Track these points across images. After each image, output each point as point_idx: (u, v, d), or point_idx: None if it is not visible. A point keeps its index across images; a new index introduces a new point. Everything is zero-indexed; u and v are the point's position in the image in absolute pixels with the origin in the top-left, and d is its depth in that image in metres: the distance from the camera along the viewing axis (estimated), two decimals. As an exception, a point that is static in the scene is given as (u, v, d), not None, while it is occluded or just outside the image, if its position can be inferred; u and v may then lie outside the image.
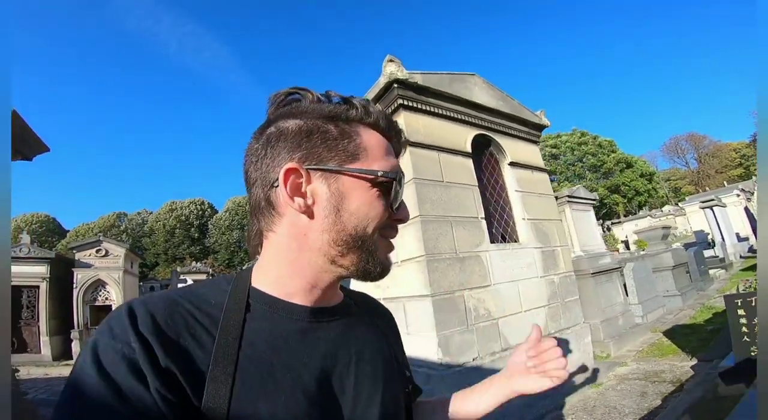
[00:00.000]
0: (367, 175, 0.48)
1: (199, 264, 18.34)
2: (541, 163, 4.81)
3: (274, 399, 0.43)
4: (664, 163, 49.56)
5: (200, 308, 0.45)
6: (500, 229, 4.04)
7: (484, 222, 3.71)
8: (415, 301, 3.24)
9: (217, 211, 43.39)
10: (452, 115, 3.89)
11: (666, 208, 28.31)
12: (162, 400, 0.37)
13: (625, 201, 34.35)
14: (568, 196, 5.51)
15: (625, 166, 36.47)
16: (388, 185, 0.49)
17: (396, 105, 3.55)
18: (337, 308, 0.55)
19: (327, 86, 0.52)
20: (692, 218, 18.89)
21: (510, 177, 4.34)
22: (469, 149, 3.92)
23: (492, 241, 3.73)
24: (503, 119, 4.41)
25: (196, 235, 39.63)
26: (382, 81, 3.54)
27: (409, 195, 3.32)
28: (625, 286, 5.92)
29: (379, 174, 0.48)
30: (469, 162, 3.88)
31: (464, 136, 3.98)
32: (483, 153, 4.26)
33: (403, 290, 3.39)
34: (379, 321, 0.63)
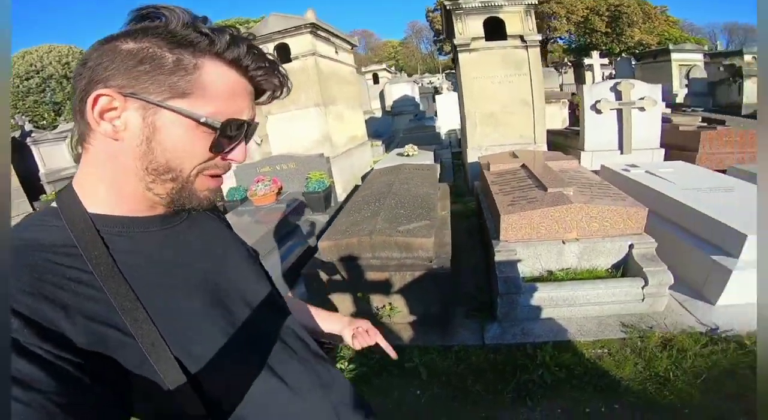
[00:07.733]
0: (189, 116, 0.43)
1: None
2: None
3: (179, 299, 0.45)
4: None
5: (53, 254, 0.41)
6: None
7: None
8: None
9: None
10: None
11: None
12: (69, 364, 0.35)
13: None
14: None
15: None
16: (213, 130, 0.45)
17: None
18: (178, 211, 0.52)
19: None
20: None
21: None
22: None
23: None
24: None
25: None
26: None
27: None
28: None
29: (202, 120, 0.44)
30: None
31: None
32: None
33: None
34: (216, 215, 0.64)
